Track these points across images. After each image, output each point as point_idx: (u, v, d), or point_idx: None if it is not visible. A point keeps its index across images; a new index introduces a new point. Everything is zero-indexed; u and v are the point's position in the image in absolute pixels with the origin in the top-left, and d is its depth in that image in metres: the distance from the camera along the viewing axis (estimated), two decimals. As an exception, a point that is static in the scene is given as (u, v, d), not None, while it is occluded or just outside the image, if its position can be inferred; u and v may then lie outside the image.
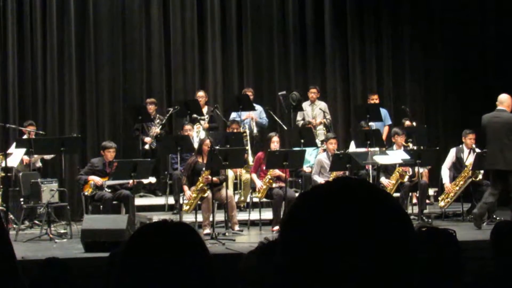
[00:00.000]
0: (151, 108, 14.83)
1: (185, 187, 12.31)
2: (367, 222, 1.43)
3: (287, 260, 1.47)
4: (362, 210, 1.44)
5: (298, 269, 1.45)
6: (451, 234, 3.68)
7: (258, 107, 14.91)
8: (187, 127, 13.78)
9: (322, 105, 15.24)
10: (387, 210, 1.47)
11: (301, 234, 1.45)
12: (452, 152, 13.57)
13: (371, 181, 12.83)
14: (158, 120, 14.77)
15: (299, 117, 15.19)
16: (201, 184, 12.04)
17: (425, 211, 13.18)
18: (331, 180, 1.57)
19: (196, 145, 13.19)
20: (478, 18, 16.75)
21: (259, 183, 12.74)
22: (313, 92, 15.25)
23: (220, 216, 12.56)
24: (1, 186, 12.61)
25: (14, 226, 12.34)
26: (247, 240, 11.36)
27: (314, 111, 15.14)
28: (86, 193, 12.44)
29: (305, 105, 15.15)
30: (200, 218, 12.11)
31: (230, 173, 13.22)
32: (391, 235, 1.44)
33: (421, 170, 13.15)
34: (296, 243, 1.46)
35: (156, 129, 14.70)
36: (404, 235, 1.47)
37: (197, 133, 14.13)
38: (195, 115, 14.01)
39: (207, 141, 12.27)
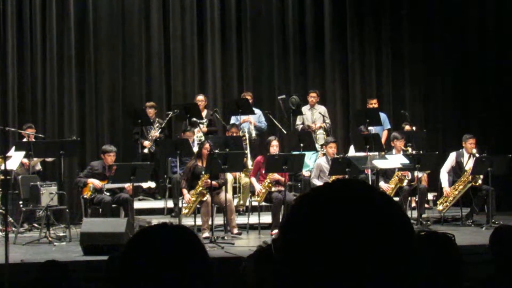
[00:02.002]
0: (151, 111, 14.83)
1: (184, 191, 12.30)
2: (366, 223, 1.43)
3: (286, 261, 1.47)
4: (361, 212, 1.44)
5: (297, 270, 1.45)
6: (450, 238, 3.68)
7: (257, 111, 14.91)
8: (188, 133, 13.79)
9: (322, 109, 15.24)
10: (386, 212, 1.47)
11: (300, 236, 1.45)
12: (452, 156, 13.57)
13: (370, 185, 12.81)
14: (157, 124, 14.77)
15: (298, 121, 15.19)
16: (200, 188, 12.04)
17: (424, 216, 13.17)
18: (330, 181, 1.56)
19: (195, 149, 13.20)
20: (477, 21, 16.75)
21: (258, 187, 12.74)
22: (313, 96, 15.25)
23: (219, 220, 12.55)
24: (1, 189, 12.61)
25: (13, 229, 12.33)
26: (246, 244, 11.35)
27: (314, 115, 15.13)
28: (85, 196, 12.44)
29: (305, 109, 15.15)
30: (199, 221, 12.11)
31: (229, 176, 13.22)
32: (391, 236, 1.44)
33: (420, 174, 13.14)
34: (295, 245, 1.46)
35: (155, 133, 14.70)
36: (404, 236, 1.47)
37: (197, 137, 14.13)
38: (194, 119, 14.00)
39: (207, 145, 12.27)
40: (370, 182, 12.86)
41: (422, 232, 3.74)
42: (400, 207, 1.52)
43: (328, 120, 15.10)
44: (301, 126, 15.05)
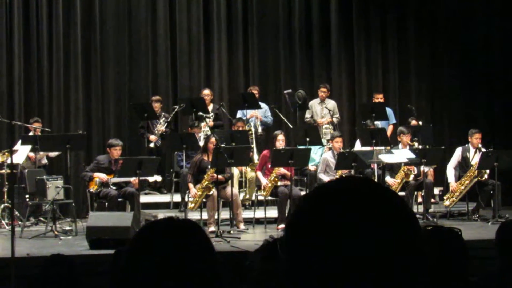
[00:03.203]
0: (157, 106, 14.82)
1: (191, 185, 12.31)
2: (371, 221, 1.43)
3: (292, 262, 1.47)
4: (366, 210, 1.44)
5: (303, 270, 1.45)
6: (457, 233, 3.67)
7: (263, 105, 14.90)
8: (196, 129, 13.80)
9: (331, 104, 15.17)
10: (392, 209, 1.47)
11: (305, 235, 1.45)
12: (458, 151, 13.55)
13: (376, 180, 12.82)
14: (163, 118, 14.75)
15: (307, 114, 15.16)
16: (206, 182, 12.04)
17: (430, 210, 13.16)
18: (334, 179, 1.56)
19: (201, 143, 13.20)
20: (483, 16, 16.72)
21: (264, 181, 12.74)
22: (323, 91, 15.17)
23: (225, 214, 12.55)
24: (7, 183, 12.64)
25: (20, 223, 12.36)
26: (252, 238, 11.35)
27: (324, 109, 15.09)
28: (91, 190, 12.46)
29: (315, 103, 15.11)
30: (205, 216, 12.12)
31: (235, 171, 13.22)
32: (396, 234, 1.44)
33: (426, 169, 13.13)
34: (300, 245, 1.46)
35: (161, 127, 14.69)
36: (409, 234, 1.46)
37: (203, 131, 14.13)
38: (200, 113, 14.00)
39: (213, 139, 12.26)
40: (376, 177, 12.89)
41: (429, 227, 3.73)
42: (407, 205, 1.52)
43: (337, 115, 15.09)
44: (310, 119, 15.04)
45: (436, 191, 14.34)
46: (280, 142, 12.84)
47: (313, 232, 1.43)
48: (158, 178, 12.93)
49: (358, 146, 14.03)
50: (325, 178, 12.83)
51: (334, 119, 14.92)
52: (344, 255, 1.41)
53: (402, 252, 1.43)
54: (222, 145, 12.20)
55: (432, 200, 13.67)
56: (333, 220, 1.43)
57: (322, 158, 13.43)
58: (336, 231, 1.42)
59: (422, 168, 12.91)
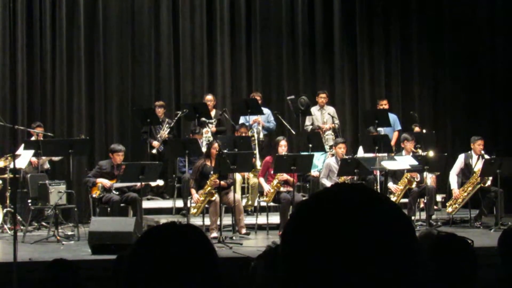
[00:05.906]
0: (160, 111, 14.82)
1: (193, 191, 12.30)
2: (365, 226, 1.43)
3: (289, 268, 1.47)
4: (359, 215, 1.44)
5: (300, 276, 1.45)
6: (469, 244, 3.67)
7: (266, 111, 14.91)
8: (197, 136, 13.80)
9: (331, 110, 15.21)
10: (385, 214, 1.47)
11: (301, 242, 1.45)
12: (461, 158, 13.54)
13: (379, 186, 12.83)
14: (166, 124, 14.75)
15: (307, 122, 15.17)
16: (209, 188, 12.04)
17: (432, 217, 13.15)
18: (328, 186, 1.56)
19: (204, 149, 13.20)
20: (487, 24, 16.71)
21: (266, 187, 12.73)
22: (322, 97, 15.21)
23: (227, 220, 12.55)
24: (9, 188, 12.66)
25: (22, 227, 12.37)
26: (254, 244, 11.35)
27: (324, 116, 15.10)
28: (94, 195, 12.46)
29: (314, 110, 15.12)
30: (207, 221, 12.11)
31: (238, 176, 13.22)
32: (390, 238, 1.44)
33: (429, 176, 13.12)
34: (296, 251, 1.46)
35: (164, 133, 14.68)
36: (403, 238, 1.47)
37: (205, 137, 14.12)
38: (203, 119, 14.01)
39: (215, 145, 12.27)
40: (378, 183, 12.87)
41: (443, 233, 3.73)
42: (402, 211, 1.52)
43: (337, 121, 15.10)
44: (310, 127, 15.04)
45: (439, 198, 14.31)
46: (283, 147, 12.83)
47: (309, 239, 1.44)
48: (160, 182, 12.94)
49: (361, 153, 14.03)
50: (328, 183, 12.81)
51: (335, 125, 14.93)
52: (339, 264, 1.41)
53: (397, 254, 1.44)
54: (225, 151, 12.20)
55: (435, 207, 13.67)
56: (329, 226, 1.43)
57: (325, 163, 13.42)
58: (332, 237, 1.42)
59: (424, 174, 12.91)
